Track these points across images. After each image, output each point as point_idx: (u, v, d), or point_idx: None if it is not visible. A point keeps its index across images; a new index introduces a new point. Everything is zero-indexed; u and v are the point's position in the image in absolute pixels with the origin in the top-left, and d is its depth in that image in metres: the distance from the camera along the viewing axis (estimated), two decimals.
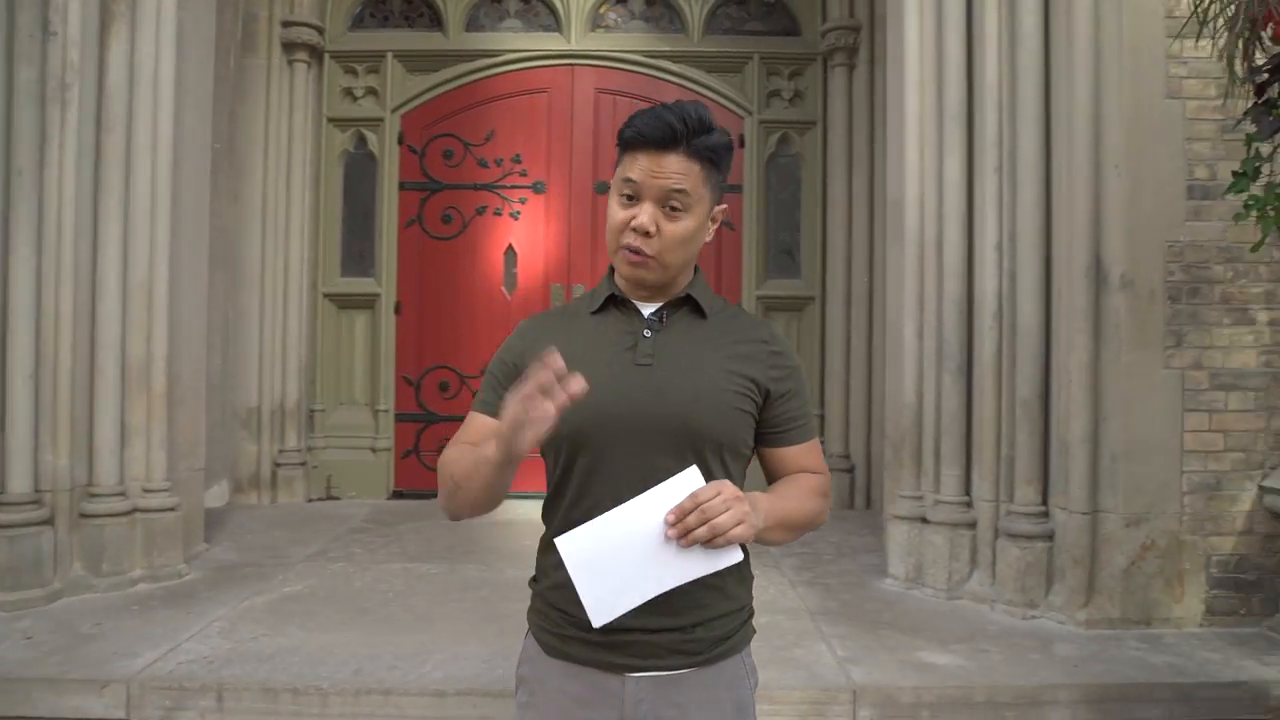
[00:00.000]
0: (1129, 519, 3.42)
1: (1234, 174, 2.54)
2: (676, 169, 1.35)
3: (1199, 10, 2.47)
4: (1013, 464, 3.68)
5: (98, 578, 3.70)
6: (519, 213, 5.92)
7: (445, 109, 5.92)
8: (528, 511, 5.38)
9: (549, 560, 1.45)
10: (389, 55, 5.85)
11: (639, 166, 1.36)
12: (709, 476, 1.37)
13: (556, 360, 1.18)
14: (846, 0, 5.83)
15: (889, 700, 2.89)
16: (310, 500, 5.66)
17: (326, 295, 5.85)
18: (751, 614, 1.48)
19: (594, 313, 1.48)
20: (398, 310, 5.88)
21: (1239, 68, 2.61)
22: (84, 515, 3.71)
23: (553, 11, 6.00)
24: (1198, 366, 3.43)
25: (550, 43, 5.97)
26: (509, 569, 4.21)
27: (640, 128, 1.36)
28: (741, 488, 1.43)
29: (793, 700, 2.85)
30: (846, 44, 5.80)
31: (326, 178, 5.84)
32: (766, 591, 3.90)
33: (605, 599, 1.25)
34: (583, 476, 1.40)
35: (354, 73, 5.89)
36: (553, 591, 1.43)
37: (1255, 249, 2.59)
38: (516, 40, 5.97)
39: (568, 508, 1.42)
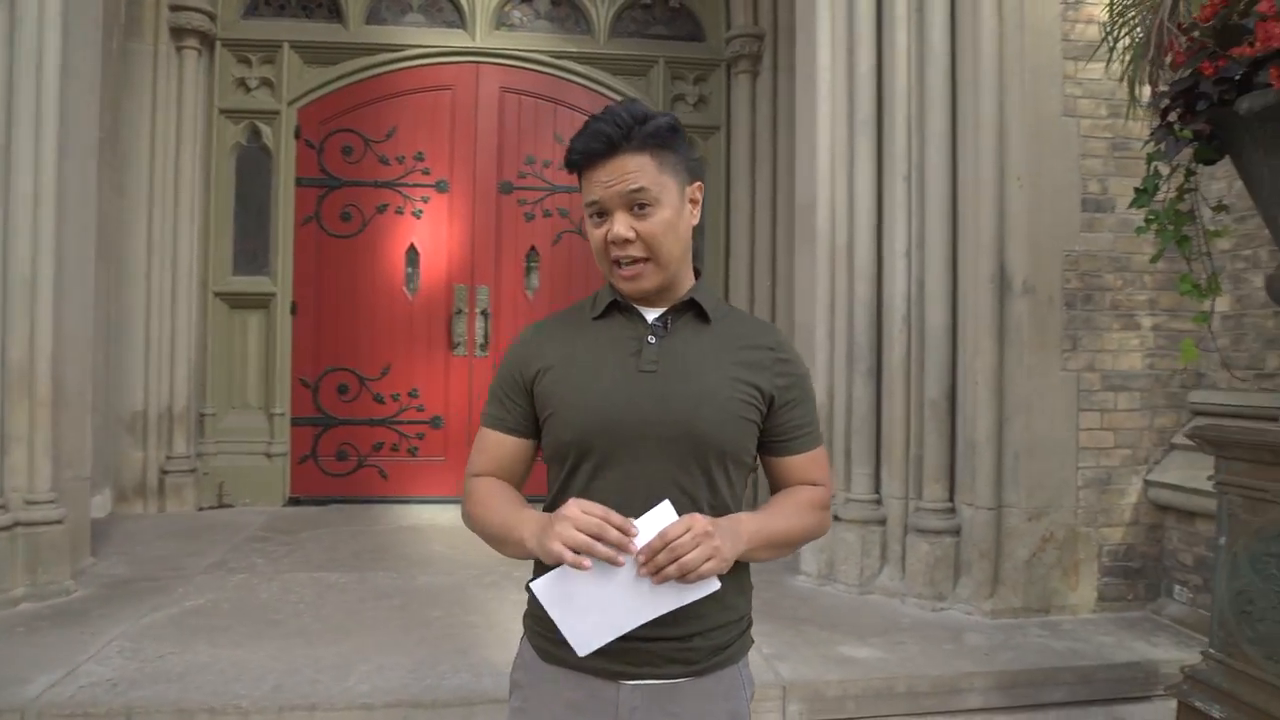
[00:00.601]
0: (1030, 513, 3.61)
1: (1136, 190, 2.72)
2: (627, 169, 1.34)
3: (1110, 35, 2.63)
4: (921, 462, 3.82)
5: None
6: (421, 212, 5.79)
7: (345, 103, 5.74)
8: (433, 516, 5.34)
9: (548, 565, 1.44)
10: (285, 46, 5.63)
11: (595, 183, 1.36)
12: (707, 484, 1.38)
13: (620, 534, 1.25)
14: (751, 8, 5.96)
15: (816, 695, 2.96)
16: (201, 509, 5.39)
17: (218, 294, 5.57)
18: (750, 624, 1.48)
19: (596, 318, 1.47)
20: (294, 310, 5.66)
21: (1139, 91, 2.81)
22: None
23: (457, 8, 5.90)
24: (1091, 369, 3.64)
25: (454, 39, 5.87)
26: (421, 576, 4.12)
27: (579, 147, 1.37)
28: (742, 496, 1.44)
29: None
30: (751, 51, 5.92)
31: (218, 171, 5.57)
32: None
33: (586, 633, 1.27)
34: (586, 482, 1.39)
35: (248, 63, 5.64)
36: None
37: (1154, 260, 2.77)
38: (420, 35, 5.83)
39: None
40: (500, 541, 1.41)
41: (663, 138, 1.37)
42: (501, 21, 5.96)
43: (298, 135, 5.66)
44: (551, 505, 1.44)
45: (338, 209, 5.70)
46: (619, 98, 5.94)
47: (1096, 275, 3.66)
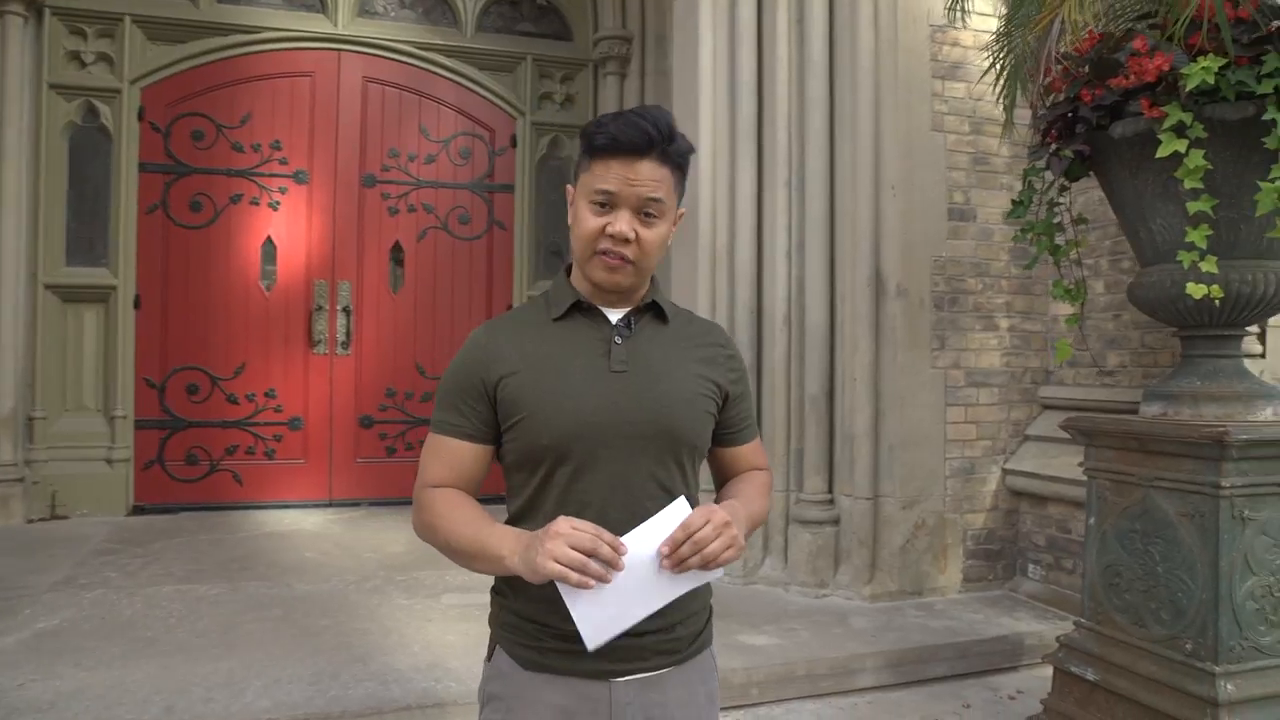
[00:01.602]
0: (904, 502, 3.85)
1: (1013, 203, 2.95)
2: (651, 176, 1.34)
3: (996, 59, 2.85)
4: (802, 456, 4.00)
5: None
6: (279, 203, 5.52)
7: (195, 85, 5.38)
8: (296, 521, 5.13)
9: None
10: (126, 19, 5.22)
11: (614, 175, 1.34)
12: (682, 478, 1.42)
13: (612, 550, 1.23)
14: (619, 11, 6.03)
15: (724, 682, 2.99)
16: (31, 521, 4.92)
17: (49, 286, 5.10)
18: (712, 610, 1.52)
19: (556, 319, 1.45)
20: (137, 304, 5.26)
21: (1013, 113, 3.05)
22: None
23: None
24: (956, 366, 3.93)
25: (314, 24, 5.62)
26: (298, 584, 3.94)
27: (615, 133, 1.33)
28: (697, 485, 1.49)
29: None
30: (619, 53, 5.99)
31: (49, 152, 5.08)
32: None
33: (600, 625, 1.26)
34: (564, 485, 1.37)
35: (82, 35, 5.19)
36: (529, 605, 1.39)
37: (1029, 267, 3.03)
38: (277, 18, 5.55)
39: (548, 518, 1.37)
40: (469, 557, 1.36)
41: (685, 159, 1.39)
42: (364, 8, 5.76)
43: (141, 117, 5.26)
44: (523, 511, 1.41)
45: (187, 197, 5.34)
46: (487, 94, 5.92)
47: (960, 279, 3.94)
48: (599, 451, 1.36)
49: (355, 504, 5.52)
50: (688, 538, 1.25)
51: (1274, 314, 2.64)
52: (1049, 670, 3.34)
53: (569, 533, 1.22)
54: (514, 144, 6.00)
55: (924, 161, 3.90)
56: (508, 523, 1.43)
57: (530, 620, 1.38)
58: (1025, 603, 3.82)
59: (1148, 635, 2.56)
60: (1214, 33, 2.30)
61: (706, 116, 4.21)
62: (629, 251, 1.37)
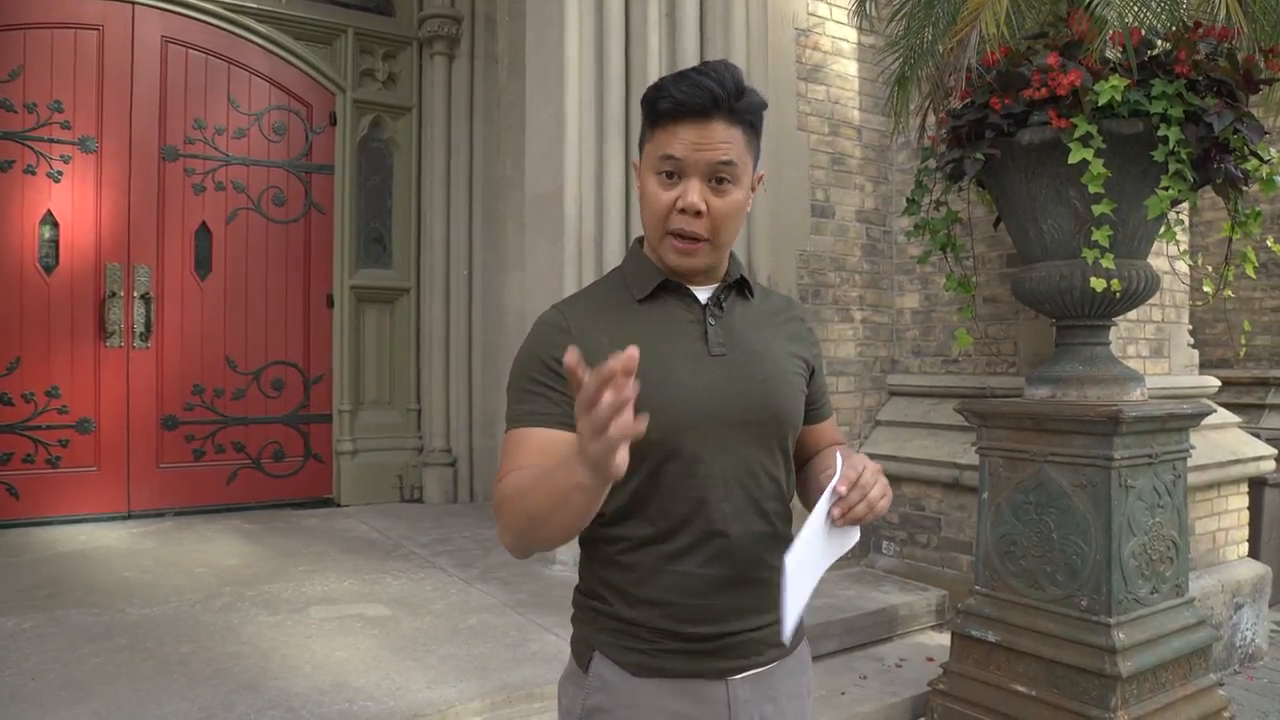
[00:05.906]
0: None
1: (907, 200, 3.16)
2: (721, 138, 1.24)
3: (906, 66, 3.02)
4: None
5: None
6: (61, 173, 4.81)
7: None
8: (94, 537, 4.54)
9: (626, 577, 1.31)
10: None
11: (680, 140, 1.24)
12: (784, 463, 1.38)
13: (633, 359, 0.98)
14: None
15: None
16: None
17: None
18: None
19: (642, 300, 1.35)
20: None
21: (916, 122, 3.25)
22: None
23: None
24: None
25: None
26: (131, 609, 3.46)
27: (679, 96, 1.23)
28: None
29: None
30: (448, 33, 5.76)
31: None
32: (448, 593, 3.77)
33: (794, 608, 1.19)
34: (673, 481, 1.27)
35: None
36: (636, 608, 1.30)
37: (922, 261, 3.24)
38: None
39: (655, 518, 1.29)
40: (553, 509, 1.10)
41: (757, 115, 1.30)
42: None
43: None
44: (626, 510, 1.29)
45: None
46: (305, 66, 5.49)
47: (822, 273, 4.14)
48: (710, 442, 1.28)
49: (159, 515, 4.92)
50: (854, 487, 1.20)
51: (1137, 306, 2.99)
52: (923, 638, 3.64)
53: (590, 417, 0.98)
54: (333, 122, 5.60)
55: (790, 159, 4.06)
56: (605, 526, 1.31)
57: (640, 625, 1.29)
58: (885, 577, 4.09)
59: (1044, 596, 2.83)
60: (1095, 55, 2.57)
61: (572, 105, 4.12)
62: (701, 228, 1.27)
